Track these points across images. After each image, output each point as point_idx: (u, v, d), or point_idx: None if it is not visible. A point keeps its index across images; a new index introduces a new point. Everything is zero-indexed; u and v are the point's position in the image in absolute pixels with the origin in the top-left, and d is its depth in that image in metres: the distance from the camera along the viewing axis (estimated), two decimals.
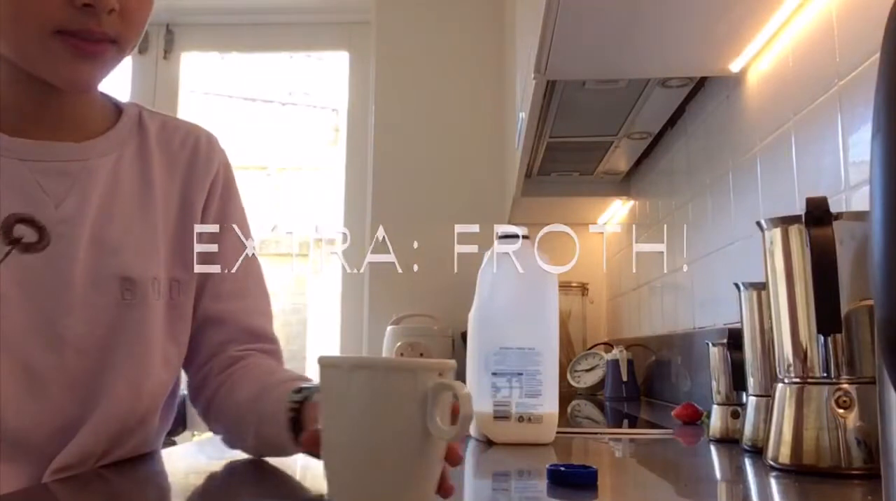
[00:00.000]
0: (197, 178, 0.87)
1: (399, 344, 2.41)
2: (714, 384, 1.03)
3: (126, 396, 0.77)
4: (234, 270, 0.87)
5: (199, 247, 0.85)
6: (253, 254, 0.91)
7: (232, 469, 0.76)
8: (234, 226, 0.89)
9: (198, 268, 0.85)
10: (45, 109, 0.78)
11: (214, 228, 0.87)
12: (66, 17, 0.70)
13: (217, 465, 0.79)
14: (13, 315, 0.72)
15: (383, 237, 2.73)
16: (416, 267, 2.73)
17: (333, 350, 2.80)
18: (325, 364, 0.53)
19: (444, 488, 0.54)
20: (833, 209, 0.72)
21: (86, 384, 0.76)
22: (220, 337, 0.85)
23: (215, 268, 0.86)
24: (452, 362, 0.53)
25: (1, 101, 0.76)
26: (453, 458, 0.55)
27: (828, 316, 0.71)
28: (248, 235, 0.91)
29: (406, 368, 0.51)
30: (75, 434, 0.74)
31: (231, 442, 0.82)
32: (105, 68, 0.76)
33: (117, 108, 0.87)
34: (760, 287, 0.88)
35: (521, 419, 0.96)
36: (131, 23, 0.75)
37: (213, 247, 0.87)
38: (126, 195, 0.81)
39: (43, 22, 0.70)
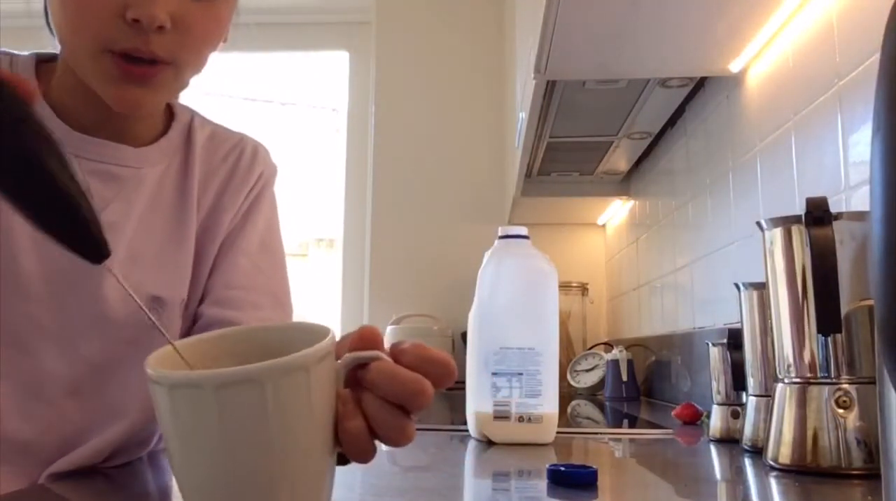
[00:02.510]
0: (231, 191, 0.82)
1: None
2: (714, 384, 1.03)
3: (138, 416, 0.75)
4: (246, 279, 0.80)
5: (214, 256, 0.81)
6: (280, 267, 0.85)
7: None
8: (254, 234, 0.83)
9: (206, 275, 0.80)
10: (106, 111, 0.72)
11: (230, 233, 0.82)
12: (116, 35, 0.65)
13: None
14: (38, 313, 0.70)
15: (383, 237, 2.74)
16: (416, 267, 2.74)
17: None
18: (173, 383, 0.40)
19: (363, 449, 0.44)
20: (833, 209, 0.72)
21: (95, 397, 0.73)
22: None
23: (223, 273, 0.80)
24: (322, 327, 0.44)
25: (66, 98, 0.73)
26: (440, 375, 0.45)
27: (828, 316, 0.71)
28: (271, 245, 0.85)
29: (296, 366, 0.40)
30: (79, 444, 0.72)
31: None
32: (160, 92, 0.70)
33: (170, 111, 0.82)
34: (760, 287, 0.88)
35: (521, 419, 0.96)
36: (190, 42, 0.68)
37: (223, 250, 0.81)
38: (166, 210, 0.78)
39: (94, 37, 0.65)
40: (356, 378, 0.44)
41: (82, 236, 0.43)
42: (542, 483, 0.68)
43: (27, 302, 0.69)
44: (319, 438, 0.42)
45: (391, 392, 0.43)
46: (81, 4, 0.65)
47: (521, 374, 0.96)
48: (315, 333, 0.43)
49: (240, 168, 0.84)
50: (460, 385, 0.48)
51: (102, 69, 0.67)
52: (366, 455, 0.44)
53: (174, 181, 0.79)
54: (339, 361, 0.44)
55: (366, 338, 0.45)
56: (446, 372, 0.45)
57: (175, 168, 0.80)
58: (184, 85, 0.73)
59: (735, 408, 0.99)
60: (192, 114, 0.85)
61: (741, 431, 0.91)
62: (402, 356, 0.45)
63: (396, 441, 0.44)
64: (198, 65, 0.72)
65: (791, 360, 0.75)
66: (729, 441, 0.98)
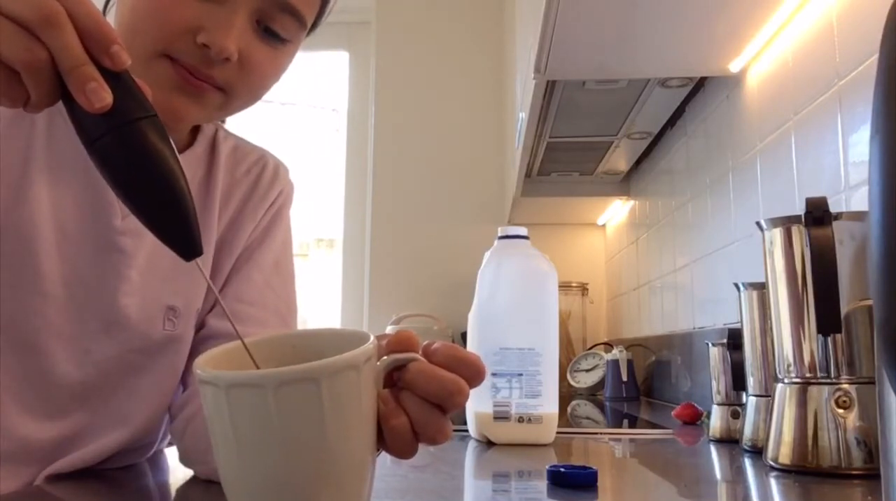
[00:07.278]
0: (252, 206, 0.82)
1: None
2: (714, 384, 1.03)
3: (142, 424, 0.75)
4: (257, 295, 0.80)
5: (229, 269, 0.81)
6: (290, 289, 0.85)
7: None
8: (270, 251, 0.83)
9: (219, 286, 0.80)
10: None
11: (247, 247, 0.82)
12: (180, 48, 0.64)
13: None
14: (53, 315, 0.70)
15: (383, 237, 2.74)
16: (416, 267, 2.74)
17: None
18: (231, 383, 0.40)
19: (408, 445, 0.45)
20: (833, 209, 0.72)
21: (102, 402, 0.73)
22: None
23: (235, 286, 0.80)
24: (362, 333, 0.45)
25: None
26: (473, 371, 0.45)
27: (828, 316, 0.71)
28: (285, 265, 0.85)
29: (348, 365, 0.41)
30: (81, 446, 0.72)
31: (202, 463, 0.73)
32: (204, 109, 0.69)
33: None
34: (760, 287, 0.88)
35: (520, 419, 0.96)
36: (247, 78, 0.68)
37: (238, 264, 0.81)
38: None
39: (156, 42, 0.64)
40: (392, 379, 0.46)
41: (184, 233, 0.46)
42: (543, 484, 0.68)
43: (44, 302, 0.69)
44: (366, 436, 0.43)
45: (430, 391, 0.44)
46: (156, 8, 0.64)
47: (520, 375, 0.96)
48: (349, 337, 0.45)
49: (261, 183, 0.84)
50: None
51: (157, 73, 0.66)
52: (410, 452, 0.45)
53: (197, 193, 0.79)
54: (378, 363, 0.45)
55: (403, 342, 0.46)
56: (477, 371, 0.46)
57: (198, 180, 0.80)
58: (229, 113, 0.73)
59: (735, 408, 0.99)
60: (217, 127, 0.84)
61: (741, 431, 0.91)
62: (434, 356, 0.46)
63: (435, 438, 0.45)
64: (248, 100, 0.72)
65: (791, 360, 0.75)
66: (729, 441, 0.98)
